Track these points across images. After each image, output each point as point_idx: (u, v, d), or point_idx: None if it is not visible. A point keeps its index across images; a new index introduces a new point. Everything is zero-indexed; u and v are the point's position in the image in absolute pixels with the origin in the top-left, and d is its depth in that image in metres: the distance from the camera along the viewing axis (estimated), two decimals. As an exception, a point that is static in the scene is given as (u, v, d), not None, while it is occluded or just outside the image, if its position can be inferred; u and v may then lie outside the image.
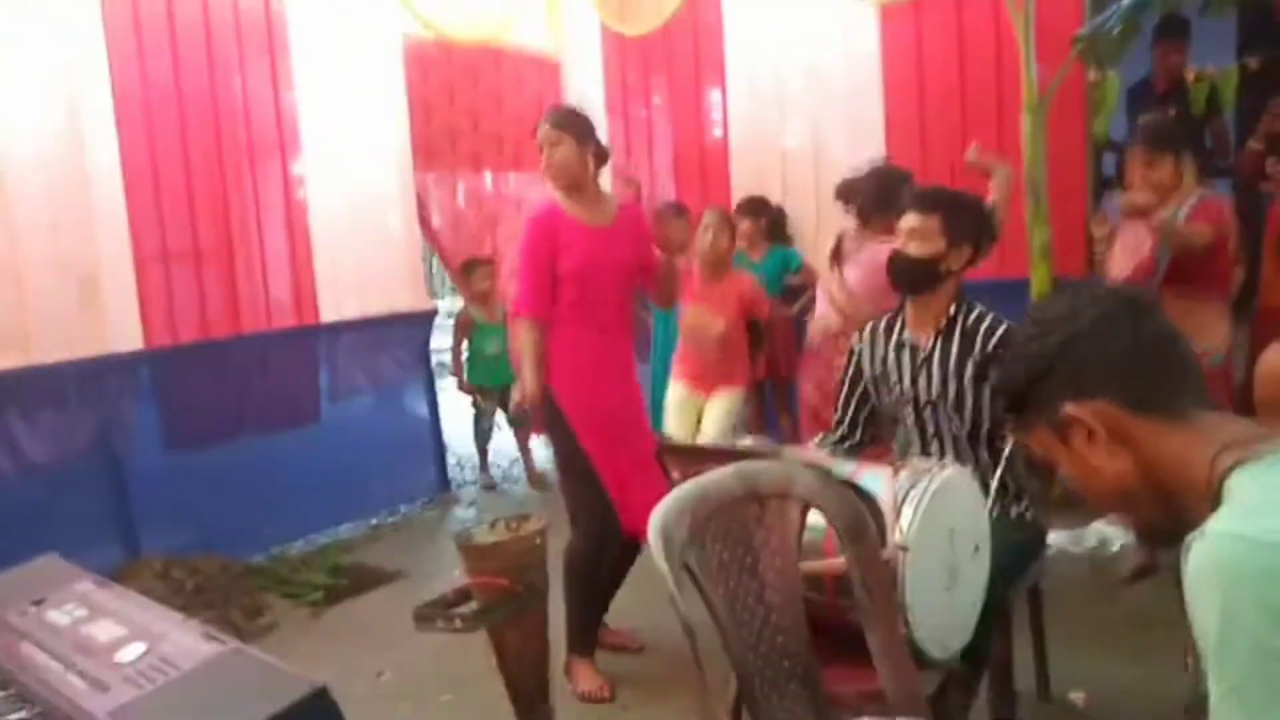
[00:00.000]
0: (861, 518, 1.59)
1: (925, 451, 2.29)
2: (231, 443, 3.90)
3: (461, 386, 5.09)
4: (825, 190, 4.61)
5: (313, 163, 4.22)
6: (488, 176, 5.30)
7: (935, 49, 4.39)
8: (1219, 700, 0.88)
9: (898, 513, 1.79)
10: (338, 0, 4.26)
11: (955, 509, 1.91)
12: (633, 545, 2.77)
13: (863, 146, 4.29)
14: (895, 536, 1.77)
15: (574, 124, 2.76)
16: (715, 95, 5.05)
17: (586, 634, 2.76)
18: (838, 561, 1.61)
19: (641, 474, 2.65)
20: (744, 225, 4.42)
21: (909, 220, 2.25)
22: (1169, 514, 1.06)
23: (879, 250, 2.76)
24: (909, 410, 2.32)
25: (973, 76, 4.30)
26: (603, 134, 2.95)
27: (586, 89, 5.06)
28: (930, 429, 2.30)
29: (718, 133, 5.07)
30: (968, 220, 2.26)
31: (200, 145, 3.82)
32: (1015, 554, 2.16)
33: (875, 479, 1.86)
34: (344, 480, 4.23)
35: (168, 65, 3.70)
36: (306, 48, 4.17)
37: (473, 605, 1.58)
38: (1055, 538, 3.55)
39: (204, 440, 3.83)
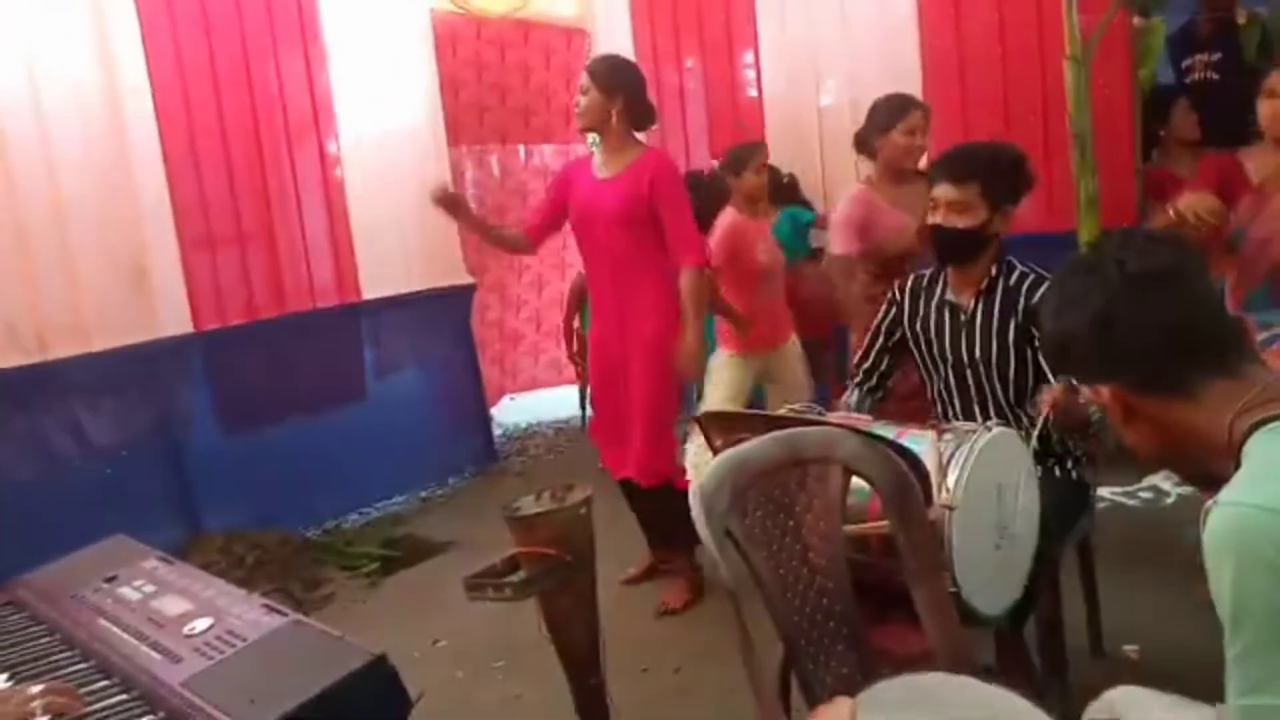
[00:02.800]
0: (905, 480, 1.59)
1: (967, 414, 2.27)
2: (284, 421, 4.00)
3: (571, 358, 4.73)
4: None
5: (348, 142, 4.26)
6: (521, 150, 5.30)
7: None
8: (1234, 661, 0.92)
9: (943, 473, 1.79)
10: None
11: (1002, 467, 1.90)
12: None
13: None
14: (941, 496, 1.77)
15: (604, 75, 2.90)
16: (748, 55, 4.98)
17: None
18: (882, 524, 1.61)
19: (620, 420, 2.96)
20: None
21: (944, 191, 2.18)
22: (1201, 472, 1.10)
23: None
24: (949, 371, 2.30)
25: (1013, 27, 4.16)
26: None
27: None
28: (972, 390, 2.28)
29: (752, 92, 5.01)
30: (1006, 180, 2.19)
31: (238, 130, 3.88)
32: (1062, 510, 2.15)
33: (919, 441, 1.85)
34: (393, 454, 4.32)
35: (204, 53, 3.76)
36: (337, 27, 4.19)
37: (521, 574, 1.62)
38: (1109, 491, 3.52)
39: (257, 419, 3.93)
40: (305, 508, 4.01)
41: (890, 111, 3.04)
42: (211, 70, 3.78)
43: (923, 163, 3.09)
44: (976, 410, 2.27)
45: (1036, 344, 2.16)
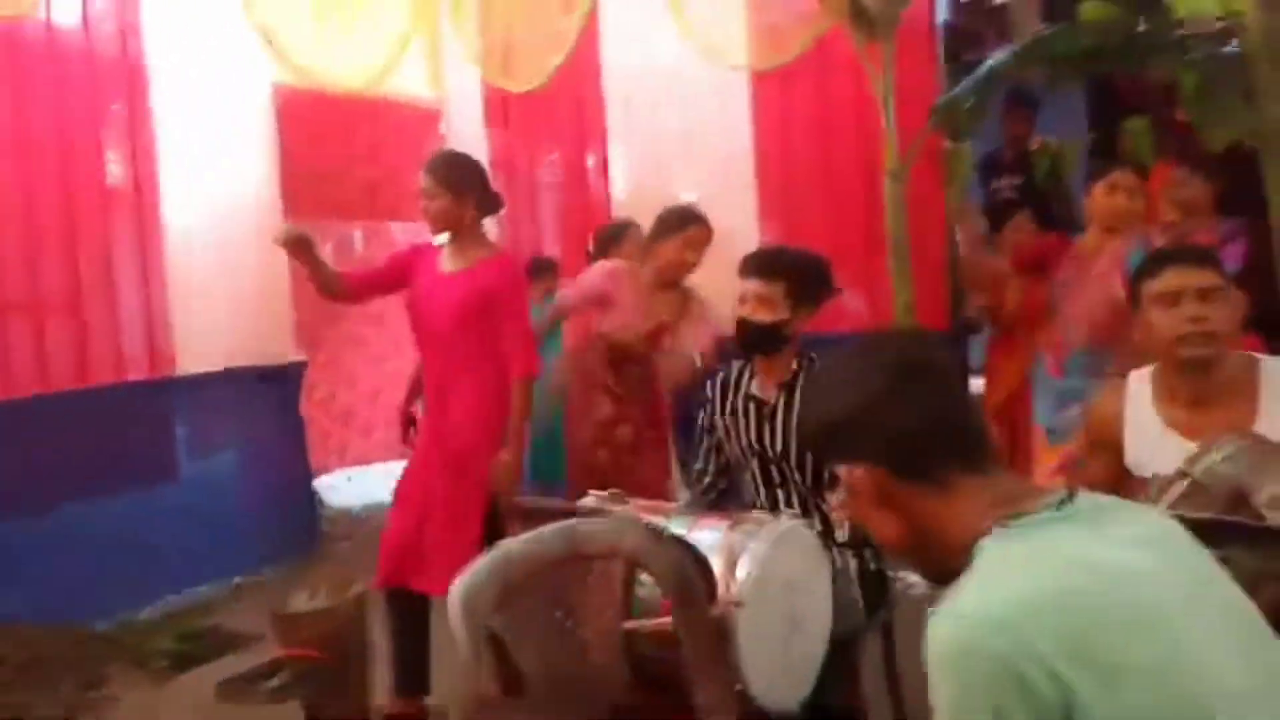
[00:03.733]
0: (688, 576, 1.58)
1: (772, 503, 2.31)
2: (78, 503, 3.67)
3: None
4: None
5: (172, 211, 4.08)
6: (366, 228, 5.22)
7: (803, 116, 4.56)
8: None
9: (733, 567, 1.80)
10: (202, 44, 4.17)
11: (794, 560, 1.93)
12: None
13: (736, 208, 4.41)
14: (730, 591, 1.77)
15: (452, 178, 2.77)
16: (598, 153, 5.12)
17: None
18: (664, 620, 1.60)
19: (418, 523, 2.73)
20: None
21: (753, 286, 2.28)
22: (940, 568, 1.11)
23: None
24: (755, 463, 2.36)
25: (839, 143, 4.47)
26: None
27: (468, 140, 5.06)
28: (776, 481, 2.34)
29: (600, 188, 5.13)
30: (811, 283, 2.32)
31: (47, 193, 3.65)
32: (859, 602, 2.20)
33: (712, 534, 1.86)
34: (204, 540, 4.03)
35: (8, 109, 3.54)
36: (168, 95, 4.06)
37: (280, 678, 1.51)
38: (922, 581, 3.63)
39: (44, 500, 3.59)
40: (98, 597, 3.65)
41: (674, 221, 3.10)
42: (19, 127, 3.56)
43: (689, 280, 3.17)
44: (780, 499, 2.32)
45: None
